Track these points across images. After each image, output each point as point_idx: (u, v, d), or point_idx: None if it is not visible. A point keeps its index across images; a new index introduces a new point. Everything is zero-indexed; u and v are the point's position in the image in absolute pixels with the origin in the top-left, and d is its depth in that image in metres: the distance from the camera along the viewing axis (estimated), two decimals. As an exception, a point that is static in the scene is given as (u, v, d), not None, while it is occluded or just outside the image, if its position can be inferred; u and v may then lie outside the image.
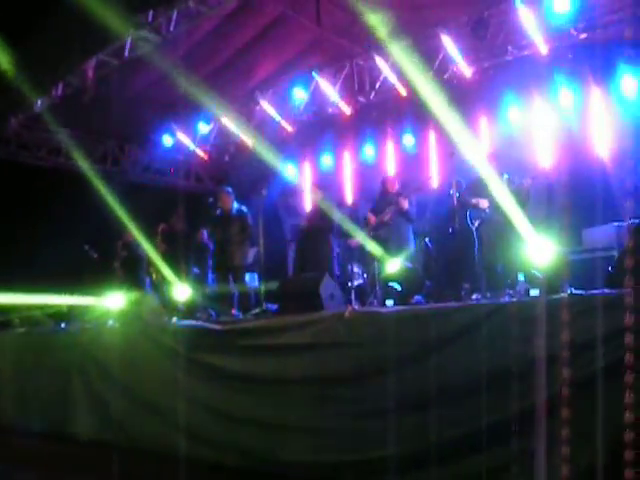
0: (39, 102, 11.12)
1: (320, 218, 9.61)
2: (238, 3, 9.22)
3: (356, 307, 6.98)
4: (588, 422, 4.32)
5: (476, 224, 8.04)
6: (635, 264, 4.41)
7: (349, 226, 9.46)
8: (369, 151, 12.36)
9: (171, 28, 9.23)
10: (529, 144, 10.31)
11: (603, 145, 9.57)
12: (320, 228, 9.57)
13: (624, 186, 8.46)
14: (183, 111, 12.19)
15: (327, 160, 13.09)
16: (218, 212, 9.63)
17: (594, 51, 9.14)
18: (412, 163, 11.72)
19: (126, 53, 9.83)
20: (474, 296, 7.16)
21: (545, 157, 10.16)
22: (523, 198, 7.87)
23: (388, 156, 12.17)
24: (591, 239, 8.17)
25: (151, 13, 9.08)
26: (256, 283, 9.92)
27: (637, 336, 4.17)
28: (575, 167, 9.42)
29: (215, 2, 8.94)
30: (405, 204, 8.72)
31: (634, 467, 4.00)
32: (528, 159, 10.05)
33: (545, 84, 9.99)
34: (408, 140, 11.75)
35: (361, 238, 9.01)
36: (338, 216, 9.40)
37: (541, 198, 9.27)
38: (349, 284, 8.48)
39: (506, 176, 7.96)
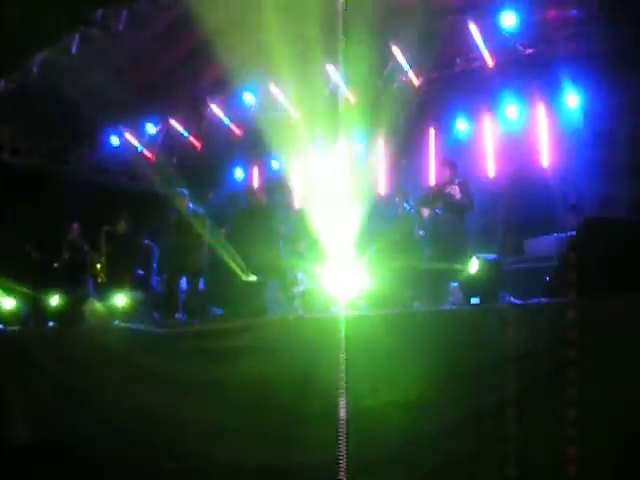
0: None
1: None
2: (190, 6, 9.14)
3: (300, 312, 7.00)
4: (531, 428, 4.42)
5: (421, 233, 8.16)
6: (572, 273, 4.54)
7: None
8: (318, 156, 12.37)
9: (120, 27, 9.12)
10: (475, 154, 10.49)
11: (546, 158, 9.80)
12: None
13: (565, 199, 8.74)
14: (131, 111, 12.03)
15: (276, 164, 13.07)
16: (172, 214, 9.44)
17: (539, 66, 9.38)
18: (361, 169, 11.79)
19: (74, 50, 9.66)
20: (416, 304, 7.24)
21: (490, 168, 10.35)
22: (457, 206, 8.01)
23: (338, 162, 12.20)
24: (532, 249, 8.35)
25: (100, 12, 8.96)
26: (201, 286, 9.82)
27: (575, 342, 4.29)
28: (518, 179, 9.63)
29: (166, 4, 8.87)
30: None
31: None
32: (473, 169, 10.23)
33: (491, 96, 10.19)
34: (357, 146, 11.81)
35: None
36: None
37: (484, 208, 9.46)
38: (294, 289, 8.48)
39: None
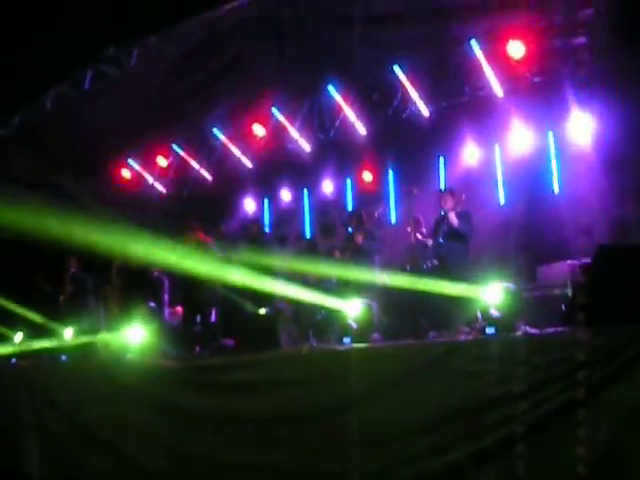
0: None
1: None
2: (200, 39, 9.26)
3: (314, 344, 6.96)
4: (544, 458, 4.35)
5: (435, 262, 8.15)
6: (587, 302, 4.50)
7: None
8: (328, 187, 12.38)
9: (132, 62, 9.24)
10: (485, 182, 10.48)
11: (556, 184, 9.78)
12: None
13: (577, 225, 8.70)
14: (142, 144, 12.13)
15: (286, 195, 13.09)
16: (184, 246, 9.42)
17: (547, 93, 9.41)
18: (370, 200, 11.81)
19: (86, 85, 9.78)
20: (431, 334, 7.18)
21: (500, 195, 10.34)
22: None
23: (347, 192, 12.24)
24: (546, 276, 8.28)
25: (112, 48, 9.10)
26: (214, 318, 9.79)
27: (589, 372, 4.23)
28: (529, 205, 9.60)
29: (178, 39, 8.99)
30: (360, 239, 8.79)
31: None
32: (484, 197, 10.21)
33: (501, 124, 10.21)
34: (367, 177, 11.82)
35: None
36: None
37: (496, 235, 9.43)
38: (307, 320, 8.43)
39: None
